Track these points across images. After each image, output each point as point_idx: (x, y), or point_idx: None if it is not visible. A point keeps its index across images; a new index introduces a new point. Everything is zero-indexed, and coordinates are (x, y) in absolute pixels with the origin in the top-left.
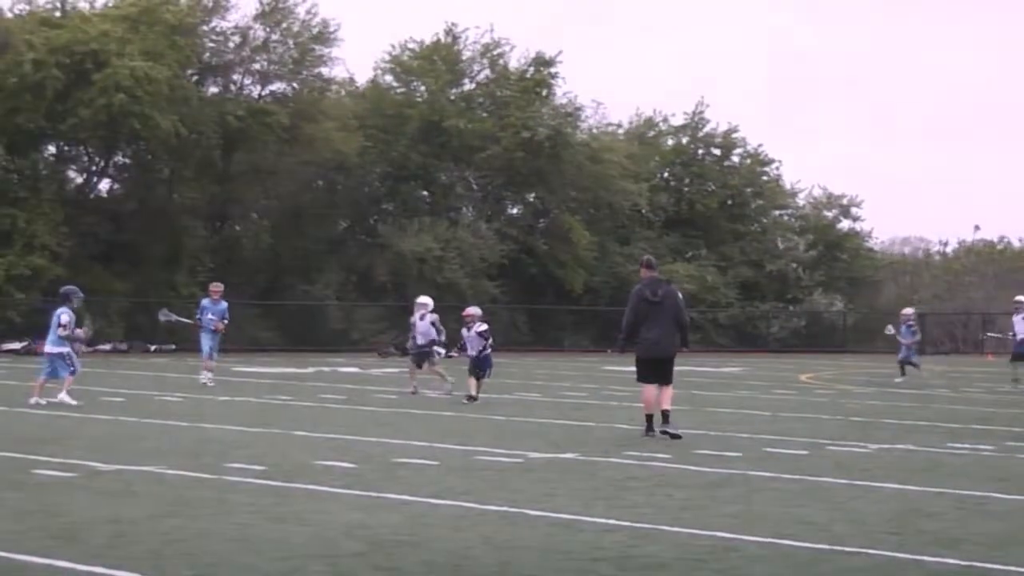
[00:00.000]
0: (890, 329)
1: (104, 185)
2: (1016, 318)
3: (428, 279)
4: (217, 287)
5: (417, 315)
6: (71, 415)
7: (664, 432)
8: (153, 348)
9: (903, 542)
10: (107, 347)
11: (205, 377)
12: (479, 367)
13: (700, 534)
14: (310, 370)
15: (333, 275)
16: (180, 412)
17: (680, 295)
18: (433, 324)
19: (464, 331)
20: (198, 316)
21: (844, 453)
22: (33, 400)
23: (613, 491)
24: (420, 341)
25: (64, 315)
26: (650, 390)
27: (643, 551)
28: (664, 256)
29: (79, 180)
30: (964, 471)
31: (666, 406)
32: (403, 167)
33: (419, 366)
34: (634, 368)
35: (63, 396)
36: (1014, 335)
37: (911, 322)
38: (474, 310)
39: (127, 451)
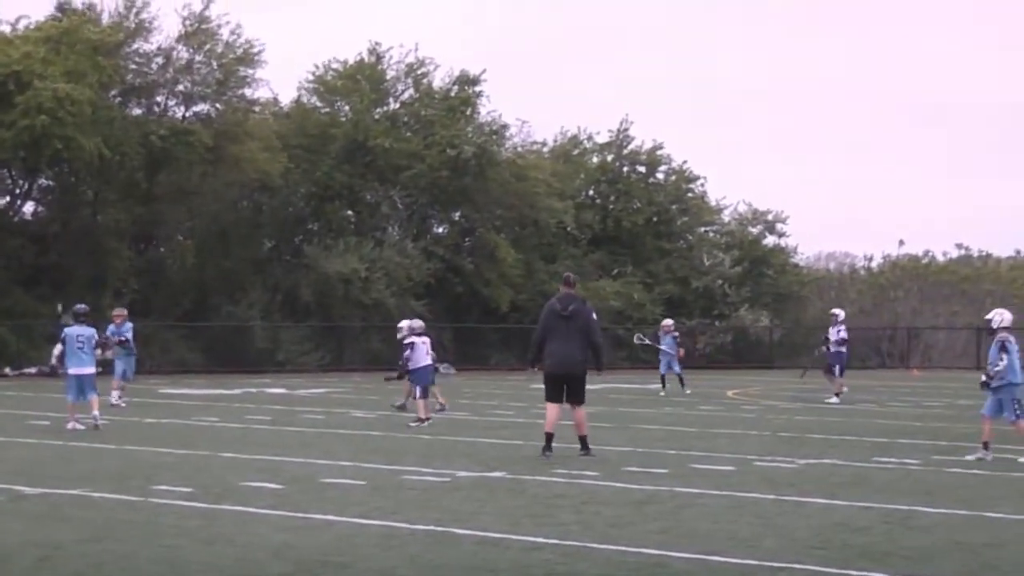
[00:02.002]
0: (640, 338)
1: (28, 208)
2: (831, 331)
3: (354, 299)
4: (120, 312)
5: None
6: None
7: (584, 455)
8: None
9: (830, 557)
10: (32, 371)
11: (115, 397)
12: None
13: (628, 551)
14: (237, 391)
15: (258, 296)
16: (107, 435)
17: (594, 315)
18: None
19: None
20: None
21: (771, 468)
22: (71, 425)
23: (541, 509)
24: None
25: (96, 337)
26: (553, 409)
27: (571, 568)
28: (590, 273)
29: (2, 202)
30: (891, 485)
31: (582, 432)
32: (328, 187)
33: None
34: None
35: (96, 413)
36: (827, 349)
37: (676, 333)
38: (402, 323)
39: (53, 474)
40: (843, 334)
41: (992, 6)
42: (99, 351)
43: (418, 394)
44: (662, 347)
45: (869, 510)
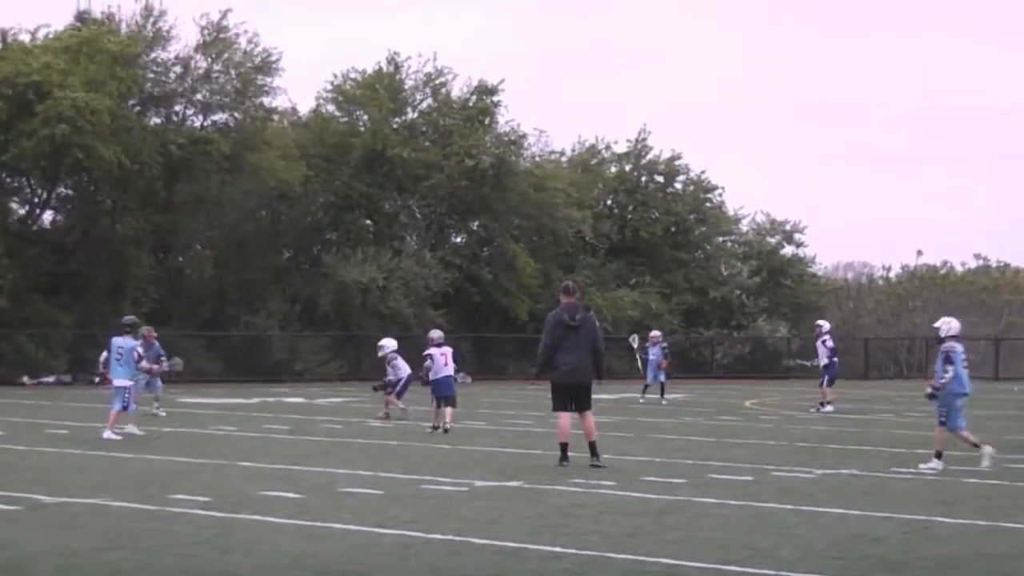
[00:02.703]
0: (635, 340)
1: (47, 216)
2: (818, 344)
3: (372, 309)
4: (151, 331)
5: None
6: (15, 447)
7: (594, 465)
8: (97, 380)
9: (848, 567)
10: (51, 379)
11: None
12: (437, 394)
13: (646, 560)
14: (255, 400)
15: (277, 305)
16: (124, 443)
17: (597, 323)
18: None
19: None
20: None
21: (789, 478)
22: (106, 435)
23: (559, 519)
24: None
25: (141, 347)
26: (566, 418)
27: None
28: (608, 283)
29: (22, 212)
30: (908, 495)
31: (592, 438)
32: (347, 196)
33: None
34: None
35: (108, 434)
36: (818, 361)
37: (664, 344)
38: (432, 333)
39: (72, 483)
40: (829, 344)
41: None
42: (143, 364)
43: (434, 404)
44: (648, 357)
45: (887, 520)
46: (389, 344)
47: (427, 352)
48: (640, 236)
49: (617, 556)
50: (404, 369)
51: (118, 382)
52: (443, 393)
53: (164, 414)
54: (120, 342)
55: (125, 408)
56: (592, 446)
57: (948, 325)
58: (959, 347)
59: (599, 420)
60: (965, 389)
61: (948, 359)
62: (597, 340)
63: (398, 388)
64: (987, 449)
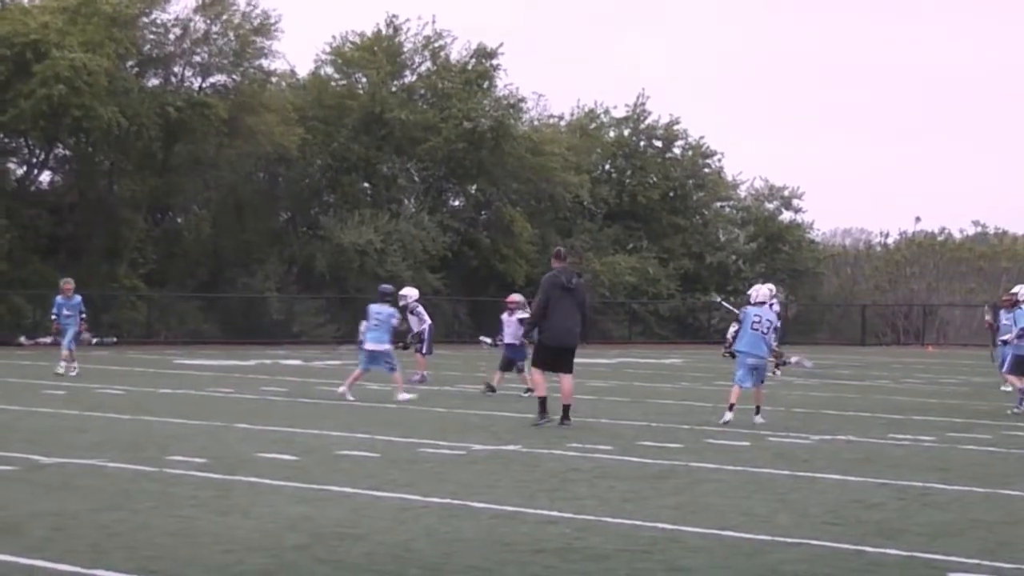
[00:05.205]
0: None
1: (45, 177)
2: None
3: (369, 271)
4: (68, 283)
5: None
6: (12, 408)
7: (564, 423)
8: (94, 341)
9: (844, 533)
10: (48, 340)
11: (63, 368)
12: (513, 357)
13: (642, 525)
14: (252, 362)
15: (274, 267)
16: (121, 405)
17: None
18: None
19: (505, 315)
20: (55, 315)
21: (786, 444)
22: (341, 390)
23: (556, 483)
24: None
25: (396, 317)
26: (541, 375)
27: (586, 543)
28: (606, 248)
29: (19, 172)
30: (905, 462)
31: (567, 401)
32: (344, 159)
33: (507, 369)
34: (580, 359)
35: (402, 395)
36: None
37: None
38: (518, 297)
39: (68, 444)
40: (776, 307)
41: None
42: (398, 321)
43: (517, 370)
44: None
45: (883, 487)
46: (412, 293)
47: (522, 316)
48: (638, 201)
49: (614, 520)
50: (427, 318)
51: (371, 346)
52: (521, 357)
53: (66, 372)
54: (377, 309)
55: (393, 369)
56: (566, 409)
57: (757, 292)
58: (752, 311)
59: (597, 385)
60: (748, 350)
61: (737, 318)
62: (586, 305)
63: (426, 344)
64: (728, 416)
